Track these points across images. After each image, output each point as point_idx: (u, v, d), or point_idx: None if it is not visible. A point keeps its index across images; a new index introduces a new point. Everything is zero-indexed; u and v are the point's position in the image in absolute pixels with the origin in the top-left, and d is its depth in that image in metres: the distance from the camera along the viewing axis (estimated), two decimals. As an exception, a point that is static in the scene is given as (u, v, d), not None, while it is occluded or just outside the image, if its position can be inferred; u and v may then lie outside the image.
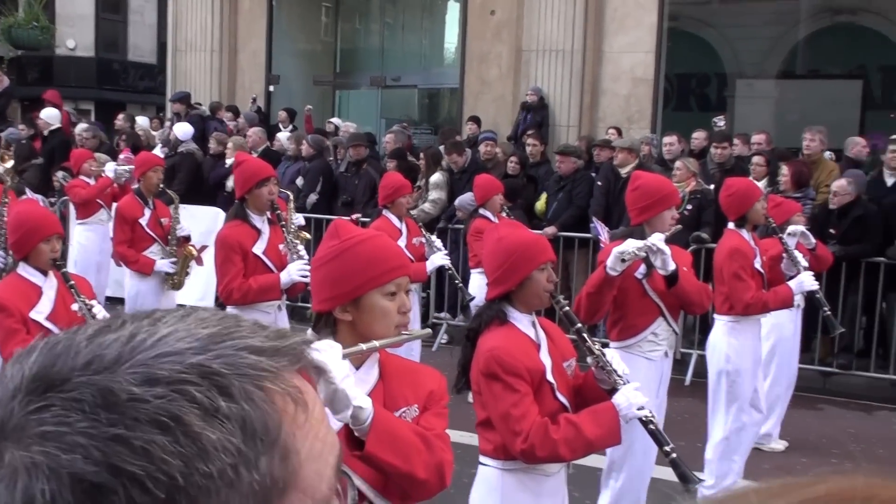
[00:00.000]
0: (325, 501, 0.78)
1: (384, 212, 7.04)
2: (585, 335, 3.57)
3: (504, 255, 3.45)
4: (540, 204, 10.37)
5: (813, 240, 6.61)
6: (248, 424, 0.72)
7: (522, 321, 3.49)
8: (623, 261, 4.62)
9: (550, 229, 9.51)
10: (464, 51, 14.45)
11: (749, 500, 0.53)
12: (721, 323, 5.81)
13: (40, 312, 4.58)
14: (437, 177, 10.75)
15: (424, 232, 7.37)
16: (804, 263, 6.06)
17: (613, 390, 3.46)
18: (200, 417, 0.70)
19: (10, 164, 7.36)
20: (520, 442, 3.27)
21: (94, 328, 0.76)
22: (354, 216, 10.36)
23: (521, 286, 3.45)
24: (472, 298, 7.47)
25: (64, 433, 0.68)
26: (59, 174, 11.45)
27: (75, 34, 26.21)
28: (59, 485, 0.67)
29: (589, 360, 3.55)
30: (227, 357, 0.74)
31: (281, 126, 13.97)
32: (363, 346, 2.42)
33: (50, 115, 13.71)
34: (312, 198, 11.07)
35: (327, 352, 2.25)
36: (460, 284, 7.77)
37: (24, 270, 4.69)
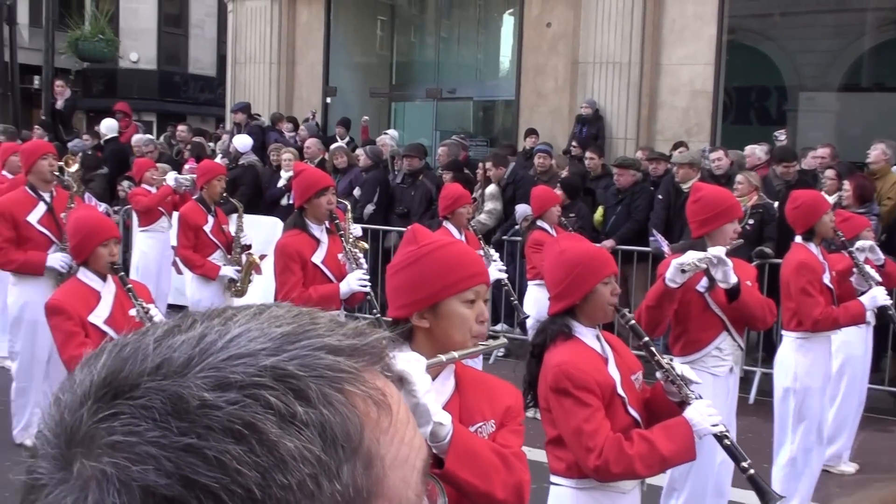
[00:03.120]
0: None
1: (444, 223, 7.01)
2: (653, 349, 3.50)
3: (567, 269, 3.39)
4: (598, 216, 10.29)
5: (882, 255, 6.43)
6: (327, 431, 0.67)
7: (587, 335, 3.42)
8: (683, 272, 4.53)
9: (609, 242, 9.42)
10: (519, 63, 14.41)
11: None
12: (789, 339, 5.68)
13: (98, 316, 4.63)
14: (492, 188, 10.73)
15: (483, 244, 7.33)
16: (877, 278, 5.91)
17: (683, 404, 3.39)
18: (276, 424, 0.65)
19: (74, 168, 7.46)
20: (593, 458, 3.20)
21: (163, 329, 0.73)
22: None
23: (585, 300, 3.39)
24: (527, 317, 7.43)
25: (134, 443, 0.64)
26: (125, 183, 11.63)
27: (138, 47, 26.72)
28: (131, 498, 0.63)
29: (658, 374, 3.47)
30: (302, 358, 0.69)
31: (338, 138, 14.03)
32: (443, 358, 2.35)
33: (107, 126, 13.94)
34: (369, 208, 11.09)
35: (412, 363, 2.18)
36: (515, 302, 7.72)
37: (84, 275, 4.74)
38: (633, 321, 3.57)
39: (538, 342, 3.47)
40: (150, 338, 0.71)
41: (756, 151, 10.86)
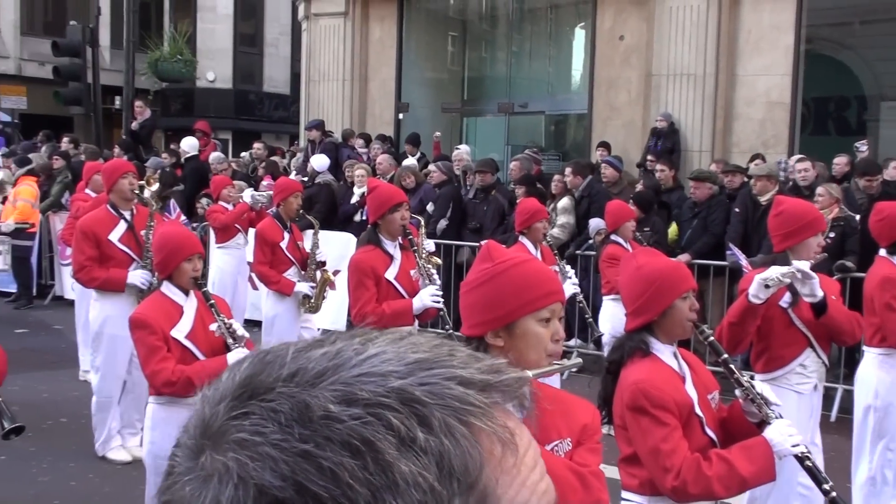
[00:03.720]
0: None
1: (520, 238, 6.98)
2: (733, 366, 3.43)
3: (644, 284, 3.34)
4: (672, 231, 10.16)
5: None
6: (445, 461, 0.67)
7: (665, 352, 3.37)
8: (767, 287, 4.44)
9: (685, 257, 9.28)
10: (592, 76, 14.33)
11: None
12: (871, 356, 5.52)
13: (180, 331, 4.67)
14: (564, 201, 10.67)
15: (558, 259, 7.28)
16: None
17: (762, 424, 3.31)
18: (395, 446, 0.66)
19: (155, 187, 7.62)
20: (671, 478, 3.14)
21: (307, 342, 0.75)
22: (483, 243, 10.33)
23: (662, 316, 3.34)
24: (602, 335, 7.37)
25: (258, 443, 0.67)
26: (203, 200, 11.85)
27: (215, 67, 27.28)
28: (245, 495, 0.66)
29: (737, 392, 3.40)
30: (431, 385, 0.69)
31: (408, 155, 14.09)
32: None
33: (189, 144, 14.23)
34: (442, 223, 11.11)
35: None
36: (590, 319, 7.65)
37: (167, 289, 4.80)
38: (711, 337, 3.51)
39: (614, 358, 3.42)
40: (291, 348, 0.74)
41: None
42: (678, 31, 12.83)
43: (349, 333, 0.76)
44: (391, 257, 5.67)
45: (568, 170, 10.91)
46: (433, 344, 0.75)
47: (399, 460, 0.65)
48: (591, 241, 9.84)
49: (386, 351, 0.72)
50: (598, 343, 8.16)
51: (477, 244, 10.44)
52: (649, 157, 12.04)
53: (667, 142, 12.48)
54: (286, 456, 0.66)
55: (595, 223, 9.44)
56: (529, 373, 2.34)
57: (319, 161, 12.48)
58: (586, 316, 7.59)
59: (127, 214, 6.90)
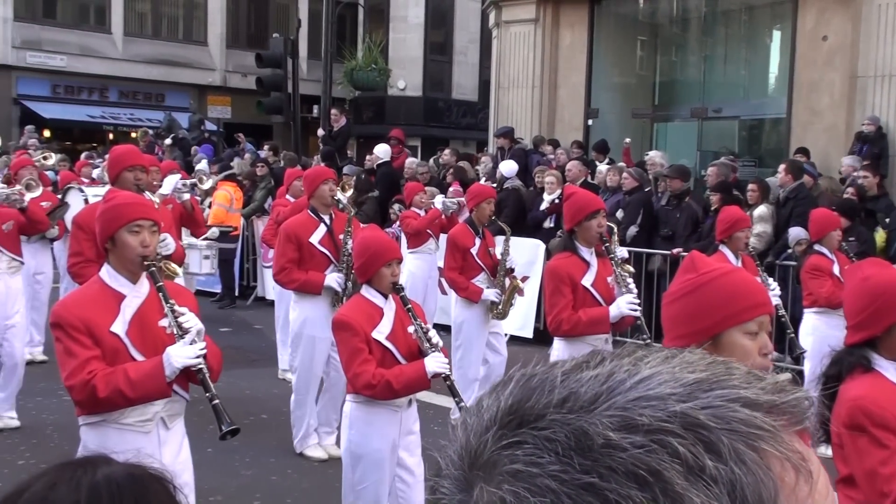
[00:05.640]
0: None
1: (720, 247, 6.77)
2: (966, 389, 3.18)
3: (870, 298, 3.15)
4: (879, 239, 9.60)
5: None
6: (737, 491, 0.62)
7: (889, 370, 3.15)
8: None
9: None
10: (791, 79, 13.76)
11: None
12: None
13: (381, 332, 4.78)
14: (761, 209, 10.27)
15: (760, 270, 7.02)
16: None
17: None
18: (683, 476, 0.62)
19: (350, 193, 7.86)
20: None
21: (572, 363, 0.72)
22: (676, 251, 10.11)
23: (888, 332, 3.13)
24: (804, 352, 7.05)
25: (535, 475, 0.64)
26: (395, 206, 12.13)
27: (406, 75, 27.96)
28: None
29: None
30: (715, 408, 0.65)
31: (596, 163, 13.94)
32: None
33: (382, 150, 14.61)
34: (632, 230, 10.93)
35: None
36: (791, 335, 7.31)
37: (368, 292, 4.93)
38: (939, 357, 3.26)
39: (831, 374, 3.25)
40: (557, 370, 0.71)
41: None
42: (887, 29, 12.14)
43: (617, 353, 0.73)
44: (588, 264, 5.65)
45: (782, 167, 10.54)
46: (707, 362, 0.70)
47: (689, 491, 0.62)
48: (789, 251, 9.43)
49: (660, 371, 0.68)
50: (798, 360, 7.80)
51: (668, 252, 10.21)
52: (865, 163, 11.41)
53: (874, 147, 11.81)
54: (567, 488, 0.63)
55: (795, 232, 9.05)
56: None
57: (508, 167, 12.55)
58: (787, 331, 7.26)
59: (326, 219, 7.14)
